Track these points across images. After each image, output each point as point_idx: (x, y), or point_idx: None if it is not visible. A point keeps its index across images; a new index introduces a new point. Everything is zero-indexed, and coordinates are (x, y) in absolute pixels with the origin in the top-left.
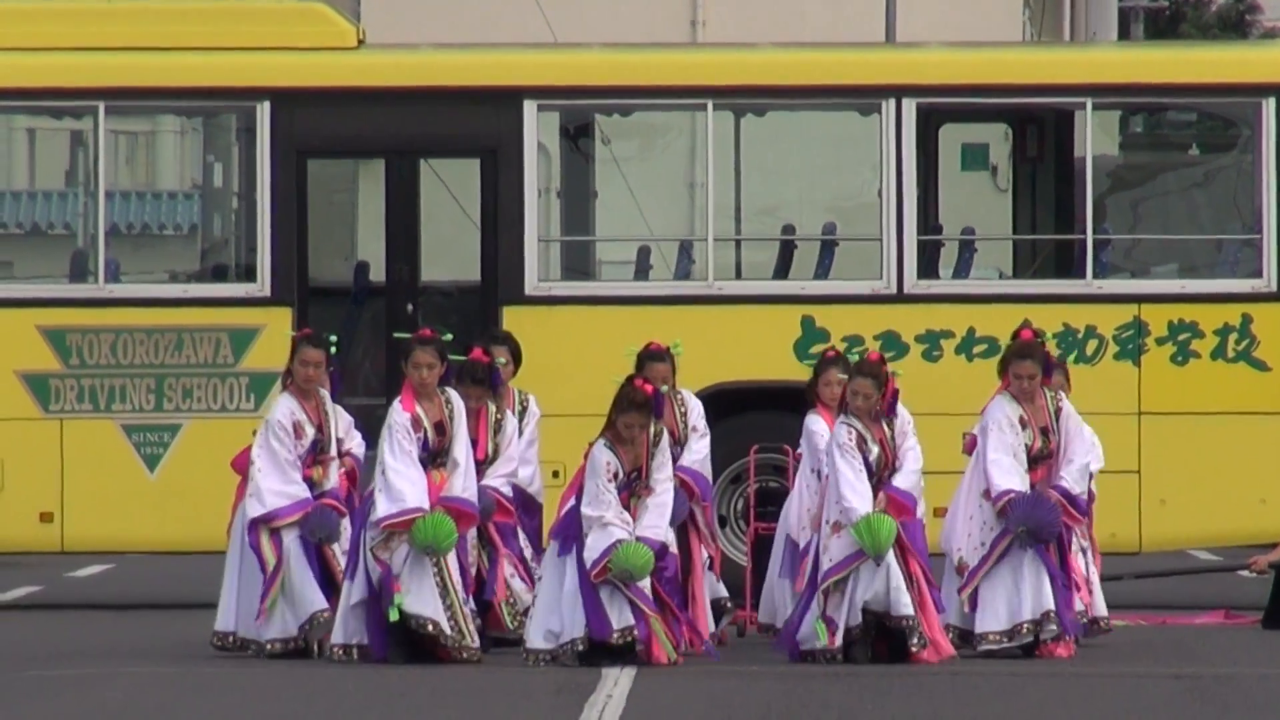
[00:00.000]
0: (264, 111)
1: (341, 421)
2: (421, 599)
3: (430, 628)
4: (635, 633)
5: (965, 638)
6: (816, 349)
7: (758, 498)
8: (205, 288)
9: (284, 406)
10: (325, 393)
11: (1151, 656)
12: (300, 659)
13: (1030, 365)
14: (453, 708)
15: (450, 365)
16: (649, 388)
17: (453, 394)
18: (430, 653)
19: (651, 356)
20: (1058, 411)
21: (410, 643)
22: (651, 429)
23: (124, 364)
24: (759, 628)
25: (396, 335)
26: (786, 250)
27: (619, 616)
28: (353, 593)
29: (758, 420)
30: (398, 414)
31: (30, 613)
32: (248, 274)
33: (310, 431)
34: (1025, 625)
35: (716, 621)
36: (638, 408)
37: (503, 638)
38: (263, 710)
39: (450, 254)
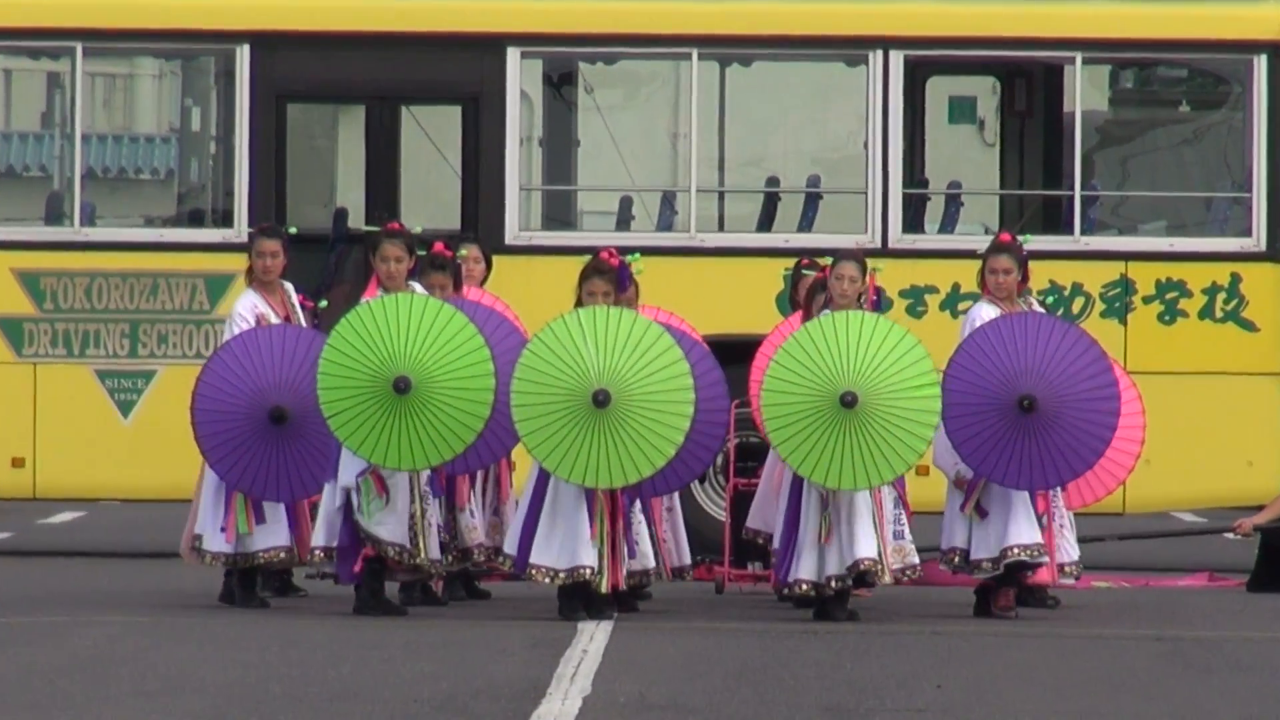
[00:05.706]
0: (243, 55)
1: (307, 318)
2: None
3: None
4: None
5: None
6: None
7: (738, 453)
8: (182, 232)
9: (246, 299)
10: (289, 286)
11: (1134, 618)
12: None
13: (1006, 260)
14: (427, 660)
15: (418, 261)
16: (615, 259)
17: (419, 289)
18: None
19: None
20: None
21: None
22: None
23: (99, 309)
24: (752, 534)
25: (365, 229)
26: (770, 202)
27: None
28: (336, 495)
29: (739, 375)
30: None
31: (1, 559)
32: (225, 219)
33: (275, 322)
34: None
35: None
36: (600, 273)
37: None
38: (236, 659)
39: (430, 202)
